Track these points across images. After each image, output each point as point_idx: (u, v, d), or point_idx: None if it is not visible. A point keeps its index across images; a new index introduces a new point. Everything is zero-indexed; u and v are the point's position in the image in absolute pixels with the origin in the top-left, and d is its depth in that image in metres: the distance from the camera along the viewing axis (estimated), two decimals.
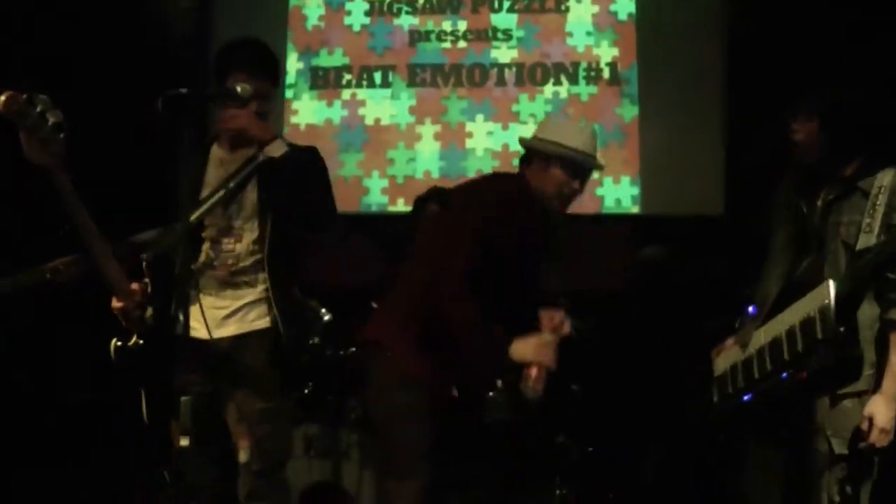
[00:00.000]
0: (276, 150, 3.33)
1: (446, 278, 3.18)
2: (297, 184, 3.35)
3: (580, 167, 3.34)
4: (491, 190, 3.42)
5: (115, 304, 3.25)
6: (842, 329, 2.85)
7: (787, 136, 3.25)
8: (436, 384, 3.32)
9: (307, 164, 3.44)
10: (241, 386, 3.37)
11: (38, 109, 2.83)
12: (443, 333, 3.22)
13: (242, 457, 3.36)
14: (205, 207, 3.35)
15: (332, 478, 4.30)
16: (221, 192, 3.37)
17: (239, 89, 3.13)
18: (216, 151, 3.46)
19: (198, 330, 3.28)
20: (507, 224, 3.26)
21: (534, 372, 3.14)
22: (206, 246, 3.39)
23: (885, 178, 3.06)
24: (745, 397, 3.14)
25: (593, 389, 4.88)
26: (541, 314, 3.29)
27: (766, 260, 3.39)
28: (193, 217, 3.27)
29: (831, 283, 2.92)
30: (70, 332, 4.84)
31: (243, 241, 3.41)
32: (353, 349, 4.58)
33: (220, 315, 3.36)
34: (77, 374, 4.97)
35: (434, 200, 4.54)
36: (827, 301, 2.90)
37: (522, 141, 3.46)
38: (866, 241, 3.02)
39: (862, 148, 3.18)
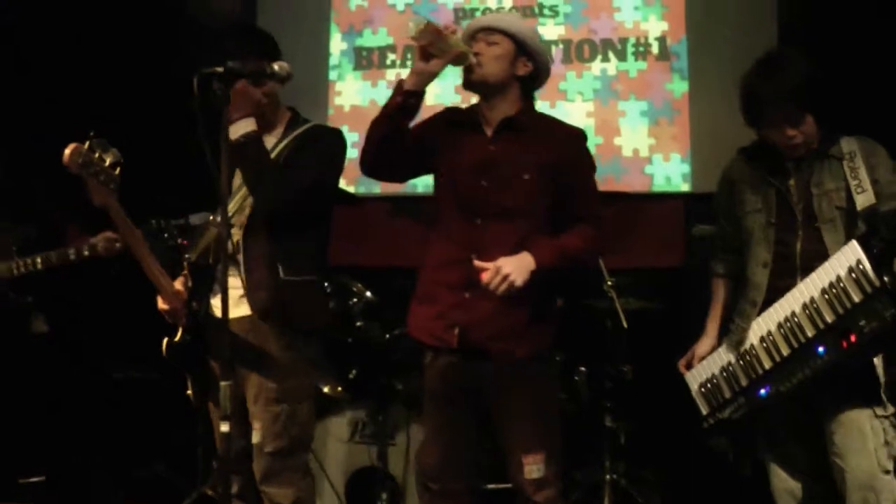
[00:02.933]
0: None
1: None
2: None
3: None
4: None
5: (162, 305, 3.44)
6: (887, 278, 2.84)
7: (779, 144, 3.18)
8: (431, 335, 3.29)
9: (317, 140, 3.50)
10: (256, 366, 3.40)
11: (97, 155, 3.08)
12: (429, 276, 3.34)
13: (255, 437, 3.38)
14: (233, 202, 3.42)
15: (378, 462, 4.27)
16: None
17: (277, 67, 3.10)
18: None
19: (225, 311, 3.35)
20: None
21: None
22: (237, 232, 3.44)
23: (851, 144, 3.14)
24: (762, 391, 3.06)
25: (646, 370, 4.80)
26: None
27: (732, 244, 3.31)
28: (231, 207, 3.38)
29: (855, 243, 2.91)
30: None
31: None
32: (398, 331, 4.55)
33: (236, 296, 3.40)
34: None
35: None
36: (857, 260, 2.88)
37: None
38: (865, 199, 3.05)
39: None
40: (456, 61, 3.17)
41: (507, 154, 3.21)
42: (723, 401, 3.20)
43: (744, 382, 3.14)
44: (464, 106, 3.45)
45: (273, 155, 3.42)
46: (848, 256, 2.91)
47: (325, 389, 4.48)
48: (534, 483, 3.20)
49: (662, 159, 5.51)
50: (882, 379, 3.06)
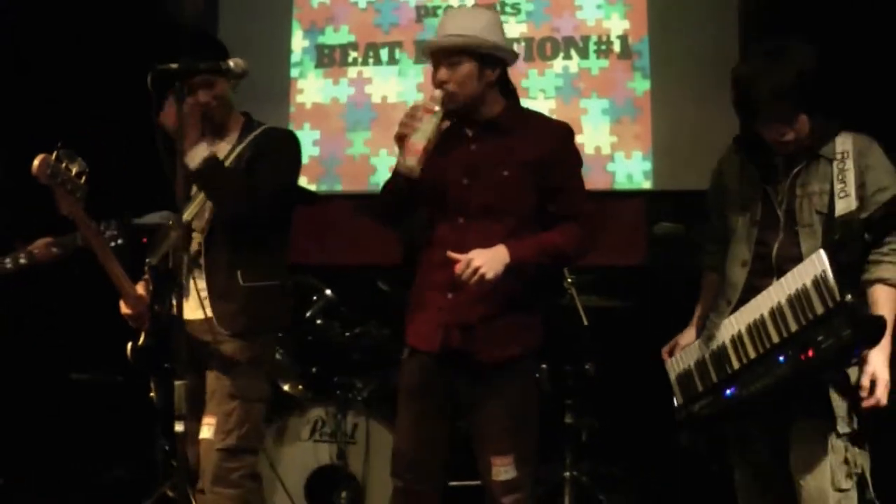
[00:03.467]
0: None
1: None
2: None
3: (431, 58, 3.24)
4: None
5: (125, 309, 3.43)
6: (849, 297, 2.74)
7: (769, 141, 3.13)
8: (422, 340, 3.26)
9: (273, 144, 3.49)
10: (213, 363, 3.43)
11: (64, 165, 3.13)
12: (422, 282, 3.30)
13: (205, 432, 3.37)
14: (193, 205, 3.44)
15: (338, 461, 4.24)
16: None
17: (232, 64, 3.07)
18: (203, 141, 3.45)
19: (188, 311, 3.37)
20: None
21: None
22: (198, 234, 3.47)
23: (845, 143, 2.99)
24: (728, 391, 3.03)
25: (609, 368, 4.81)
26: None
27: (719, 239, 3.27)
28: (186, 215, 3.40)
29: (822, 253, 2.83)
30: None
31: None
32: (359, 329, 4.54)
33: (200, 297, 3.43)
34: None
35: None
36: (822, 271, 2.80)
37: None
38: (845, 205, 2.93)
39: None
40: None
41: (487, 152, 3.19)
42: (695, 394, 3.14)
43: (714, 379, 3.07)
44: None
45: (229, 161, 3.43)
46: (815, 265, 2.83)
47: (286, 388, 4.46)
48: (502, 485, 3.18)
49: (624, 157, 5.52)
50: (843, 399, 3.02)
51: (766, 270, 3.07)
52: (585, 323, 4.38)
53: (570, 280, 4.49)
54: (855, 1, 4.92)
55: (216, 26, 5.88)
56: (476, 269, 2.97)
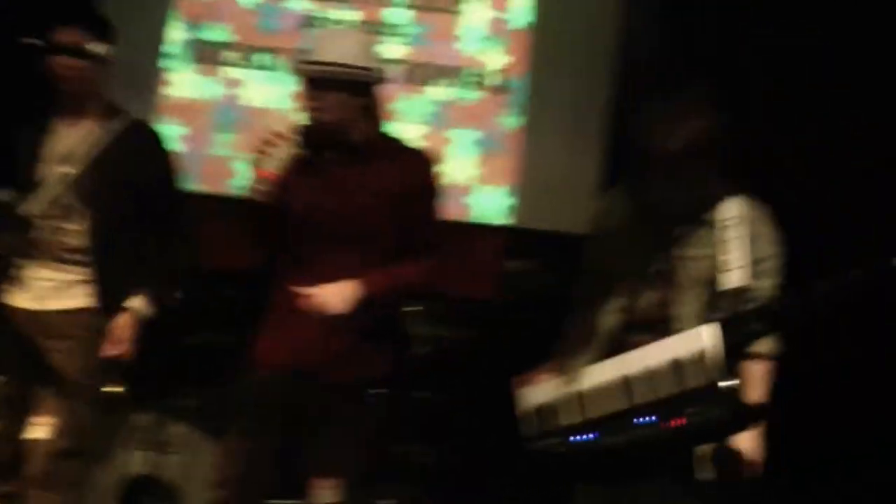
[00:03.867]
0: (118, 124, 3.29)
1: None
2: (137, 163, 3.29)
3: (307, 81, 3.15)
4: None
5: None
6: (727, 383, 2.74)
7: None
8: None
9: (147, 146, 3.45)
10: (55, 362, 3.33)
11: None
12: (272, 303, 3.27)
13: (38, 432, 3.27)
14: (44, 190, 3.34)
15: (154, 471, 4.13)
16: (60, 172, 3.34)
17: (99, 48, 3.02)
18: (58, 122, 3.35)
19: (22, 301, 3.25)
20: None
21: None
22: (42, 221, 3.35)
23: (731, 210, 2.97)
24: (590, 436, 3.03)
25: (449, 399, 4.82)
26: None
27: (593, 286, 3.29)
28: (34, 204, 3.33)
29: (709, 328, 2.81)
30: None
31: (75, 222, 3.36)
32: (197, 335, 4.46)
33: (47, 287, 3.33)
34: None
35: None
36: (703, 347, 2.79)
37: None
38: (729, 279, 2.91)
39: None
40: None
41: (351, 178, 3.16)
42: (542, 432, 3.13)
43: (568, 421, 3.04)
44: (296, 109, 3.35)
45: (87, 146, 3.35)
46: (698, 338, 2.80)
47: (110, 391, 4.32)
48: None
49: (488, 191, 5.54)
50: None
51: (635, 324, 3.05)
52: (422, 353, 4.36)
53: (416, 309, 4.47)
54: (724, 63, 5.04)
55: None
56: (320, 304, 2.98)
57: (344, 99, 3.10)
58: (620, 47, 5.46)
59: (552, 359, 3.36)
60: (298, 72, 3.16)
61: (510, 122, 5.58)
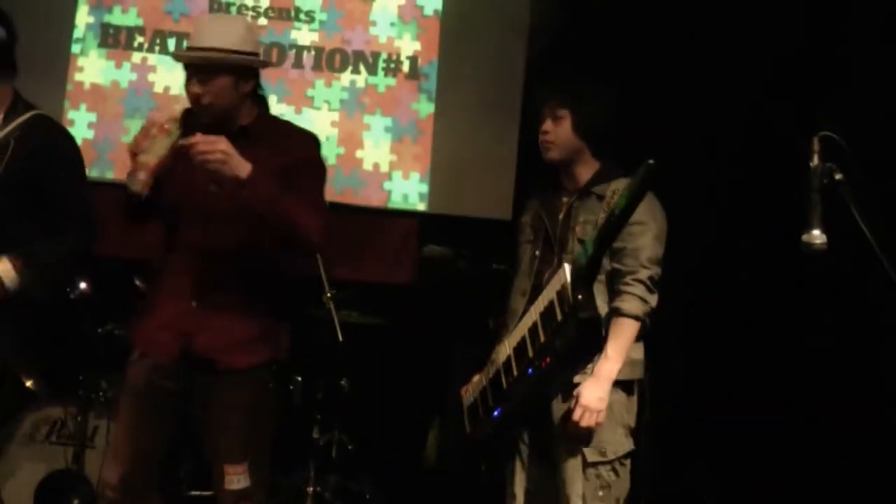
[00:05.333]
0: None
1: None
2: (33, 160, 3.32)
3: (188, 67, 3.14)
4: None
5: None
6: (579, 296, 2.87)
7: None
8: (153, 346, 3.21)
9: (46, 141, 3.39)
10: None
11: None
12: (154, 287, 3.26)
13: None
14: None
15: (73, 465, 4.08)
16: None
17: None
18: None
19: None
20: None
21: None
22: None
23: (619, 185, 3.12)
24: (496, 412, 3.12)
25: (365, 385, 4.83)
26: None
27: (512, 276, 3.40)
28: None
29: (566, 265, 2.97)
30: None
31: None
32: (111, 326, 4.39)
33: None
34: None
35: None
36: (563, 282, 2.93)
37: None
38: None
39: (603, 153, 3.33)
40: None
41: None
42: (477, 421, 3.22)
43: (490, 403, 3.16)
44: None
45: None
46: (560, 279, 2.95)
47: (28, 383, 4.25)
48: (235, 494, 3.16)
49: (402, 177, 5.56)
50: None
51: (536, 299, 3.17)
52: (341, 338, 4.38)
53: (329, 295, 4.48)
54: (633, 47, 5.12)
55: None
56: (217, 151, 2.95)
57: (229, 83, 3.11)
58: (532, 35, 5.50)
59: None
60: (179, 58, 3.17)
61: (423, 108, 5.60)
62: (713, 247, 4.90)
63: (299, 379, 4.65)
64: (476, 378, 3.37)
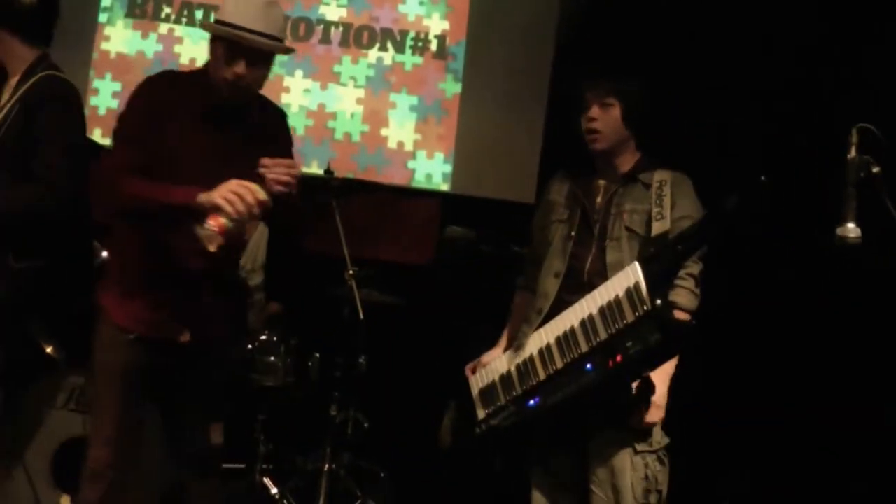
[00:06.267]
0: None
1: (107, 181, 3.06)
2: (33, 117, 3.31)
3: (235, 45, 3.03)
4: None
5: None
6: (659, 301, 2.84)
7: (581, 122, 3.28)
8: (154, 329, 3.18)
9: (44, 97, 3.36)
10: None
11: None
12: (146, 266, 3.15)
13: None
14: None
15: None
16: None
17: None
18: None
19: None
20: (146, 115, 3.07)
21: (213, 219, 2.87)
22: None
23: (664, 175, 3.19)
24: (531, 402, 3.06)
25: (382, 364, 4.82)
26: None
27: (538, 257, 3.36)
28: None
29: (636, 265, 2.93)
30: None
31: None
32: None
33: None
34: None
35: None
36: (635, 281, 2.89)
37: None
38: (661, 227, 3.09)
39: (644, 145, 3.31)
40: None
41: (238, 139, 3.14)
42: (498, 407, 3.16)
43: (518, 391, 3.10)
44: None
45: (2, 112, 3.30)
46: (628, 276, 2.92)
47: (48, 349, 4.25)
48: (218, 447, 3.36)
49: (426, 156, 5.54)
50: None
51: (577, 285, 3.15)
52: (361, 316, 4.35)
53: (351, 272, 4.46)
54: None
55: None
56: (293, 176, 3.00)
57: (264, 73, 3.13)
58: (562, 17, 5.46)
59: (502, 335, 3.43)
60: (245, 40, 3.01)
61: (449, 88, 5.57)
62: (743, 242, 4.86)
63: (317, 355, 4.63)
64: (488, 359, 3.33)
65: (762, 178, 2.72)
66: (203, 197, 2.86)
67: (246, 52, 3.02)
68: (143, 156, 3.01)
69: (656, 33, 5.05)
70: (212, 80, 3.09)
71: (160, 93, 3.12)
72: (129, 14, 5.64)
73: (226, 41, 3.02)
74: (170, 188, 2.92)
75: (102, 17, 5.62)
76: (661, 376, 3.05)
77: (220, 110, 3.11)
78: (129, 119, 3.10)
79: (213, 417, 3.35)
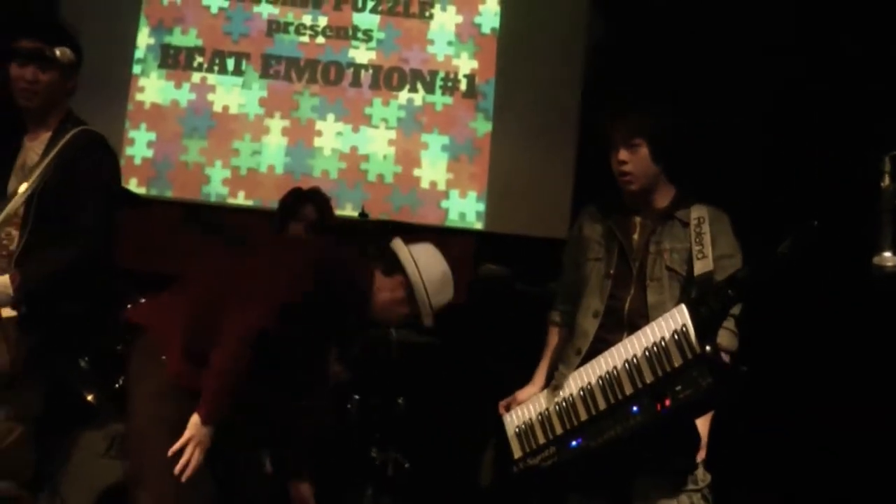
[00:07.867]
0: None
1: (240, 322, 2.99)
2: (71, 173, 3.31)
3: (418, 302, 3.25)
4: (328, 266, 3.17)
5: None
6: (708, 348, 2.81)
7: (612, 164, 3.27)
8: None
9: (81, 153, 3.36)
10: None
11: None
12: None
13: None
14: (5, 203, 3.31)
15: None
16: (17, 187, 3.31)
17: (58, 52, 2.98)
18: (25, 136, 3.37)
19: None
20: (319, 305, 3.08)
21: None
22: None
23: (701, 211, 3.15)
24: (573, 443, 3.03)
25: (420, 404, 4.81)
26: None
27: (573, 295, 3.33)
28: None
29: (683, 308, 2.89)
30: None
31: (20, 230, 3.34)
32: None
33: None
34: None
35: (314, 203, 4.41)
36: (683, 324, 2.86)
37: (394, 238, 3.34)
38: (703, 266, 3.06)
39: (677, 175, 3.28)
40: None
41: None
42: (536, 447, 3.13)
43: (558, 431, 3.07)
44: None
45: (40, 168, 3.32)
46: (675, 319, 2.88)
47: (89, 398, 4.28)
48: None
49: (459, 195, 5.56)
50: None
51: (617, 325, 3.13)
52: (395, 357, 4.37)
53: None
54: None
55: (58, 11, 5.67)
56: None
57: None
58: (589, 54, 5.49)
59: (536, 371, 3.40)
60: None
61: (480, 126, 5.60)
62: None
63: (357, 397, 4.63)
64: (523, 396, 3.31)
65: (815, 222, 2.68)
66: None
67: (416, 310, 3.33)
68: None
69: (685, 63, 5.07)
70: (375, 298, 3.23)
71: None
72: (162, 65, 5.73)
73: (415, 293, 3.27)
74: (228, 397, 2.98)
75: (136, 69, 5.72)
76: (707, 416, 3.03)
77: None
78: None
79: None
